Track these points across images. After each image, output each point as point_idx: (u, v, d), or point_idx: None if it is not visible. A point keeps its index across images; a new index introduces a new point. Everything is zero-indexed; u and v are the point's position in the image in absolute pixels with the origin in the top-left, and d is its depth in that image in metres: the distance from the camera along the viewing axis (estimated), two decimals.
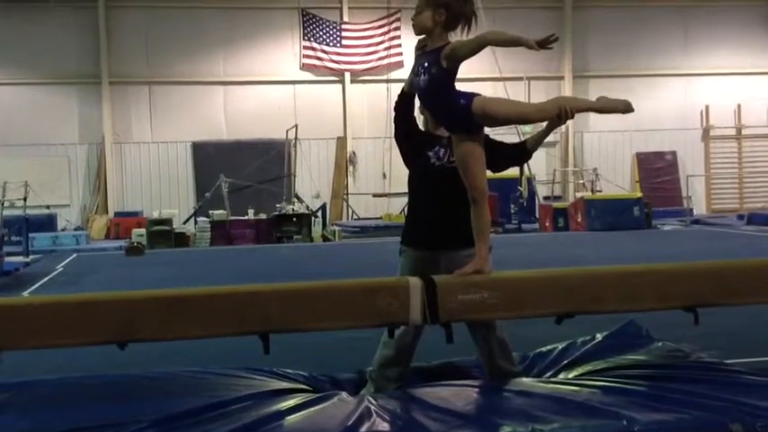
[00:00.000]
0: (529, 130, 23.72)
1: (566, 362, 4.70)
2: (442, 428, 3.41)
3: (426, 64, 3.92)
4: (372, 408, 3.72)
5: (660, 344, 4.91)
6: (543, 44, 3.60)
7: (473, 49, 3.76)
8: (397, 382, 4.32)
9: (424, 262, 4.24)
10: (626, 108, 4.08)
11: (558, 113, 3.92)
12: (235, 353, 5.30)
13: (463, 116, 3.89)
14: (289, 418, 3.66)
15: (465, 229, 4.05)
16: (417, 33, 4.02)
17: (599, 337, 5.08)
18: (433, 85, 3.90)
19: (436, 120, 4.12)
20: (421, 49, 4.02)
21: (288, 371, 4.62)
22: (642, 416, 3.42)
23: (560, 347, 5.01)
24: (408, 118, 4.45)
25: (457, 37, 3.93)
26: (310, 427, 3.55)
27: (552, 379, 4.22)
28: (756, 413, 3.45)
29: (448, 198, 4.23)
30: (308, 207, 20.98)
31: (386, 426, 3.51)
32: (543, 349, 5.06)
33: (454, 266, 4.00)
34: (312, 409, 3.78)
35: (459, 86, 3.99)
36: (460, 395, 3.93)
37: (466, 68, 4.26)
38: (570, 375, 4.27)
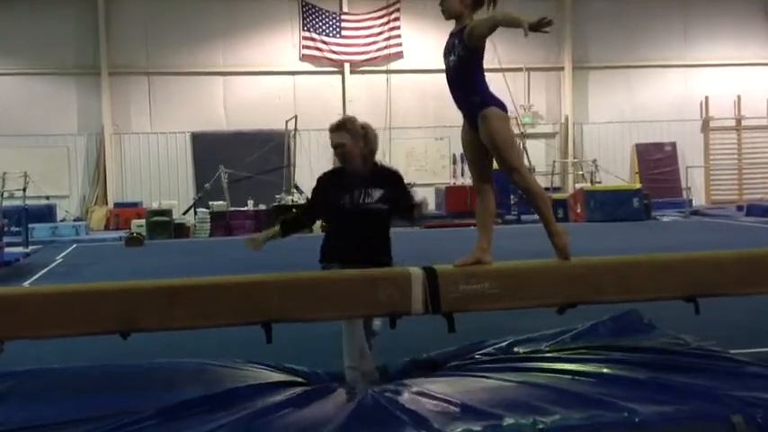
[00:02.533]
0: (529, 120, 23.78)
1: (566, 349, 4.68)
2: (442, 421, 3.41)
3: (453, 45, 3.96)
4: (371, 401, 3.72)
5: (661, 333, 4.91)
6: (535, 28, 3.59)
7: (488, 27, 3.81)
8: (370, 375, 4.37)
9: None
10: (563, 255, 4.02)
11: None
12: (237, 345, 5.31)
13: (472, 113, 3.93)
14: (287, 410, 3.66)
15: (376, 256, 4.59)
16: (447, 18, 4.05)
17: (600, 324, 5.07)
18: (459, 65, 3.94)
19: (454, 99, 4.10)
20: None
21: (291, 366, 4.61)
22: (643, 407, 3.42)
23: (561, 330, 4.99)
24: (303, 225, 5.01)
25: (484, 14, 3.97)
26: (308, 420, 3.54)
27: (552, 366, 4.20)
28: (758, 404, 3.44)
29: (360, 232, 4.67)
30: (307, 198, 20.93)
31: (386, 417, 3.51)
32: (547, 332, 5.04)
33: None
34: (310, 401, 3.77)
35: None
36: (461, 387, 3.92)
37: None
38: (571, 364, 4.25)
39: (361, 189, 4.72)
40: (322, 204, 4.89)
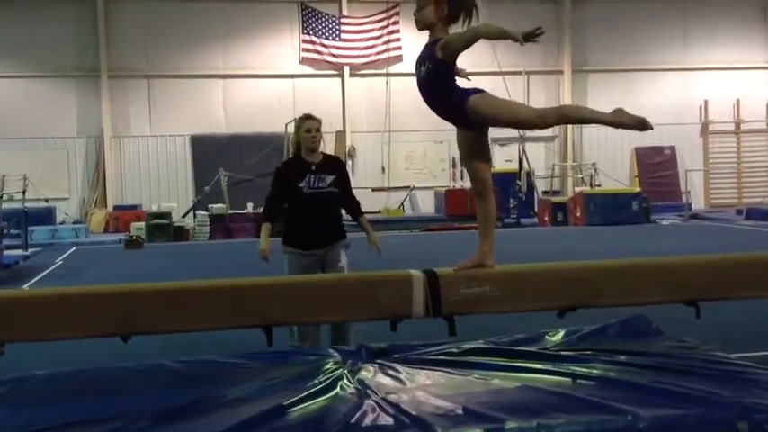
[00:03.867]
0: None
1: (571, 350, 4.63)
2: (446, 425, 3.39)
3: (425, 57, 3.92)
4: (375, 403, 3.69)
5: (667, 337, 4.87)
6: (528, 37, 3.56)
7: (466, 41, 3.76)
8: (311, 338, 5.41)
9: (304, 258, 5.59)
10: (639, 125, 3.96)
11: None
12: (237, 344, 5.29)
13: (458, 113, 3.90)
14: (287, 412, 3.64)
15: (333, 229, 5.72)
16: (420, 29, 4.01)
17: (608, 327, 5.02)
18: (429, 79, 3.90)
19: (434, 112, 4.07)
20: None
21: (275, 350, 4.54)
22: (647, 412, 3.39)
23: (567, 331, 4.93)
24: (279, 211, 5.79)
25: (458, 29, 3.92)
26: (308, 422, 3.52)
27: (556, 368, 4.18)
28: (764, 410, 3.40)
29: (318, 213, 5.59)
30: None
31: (389, 421, 3.48)
32: (550, 331, 5.00)
33: (328, 259, 5.65)
34: (310, 404, 3.75)
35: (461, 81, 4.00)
36: (465, 389, 3.89)
37: (466, 63, 4.27)
38: (575, 367, 4.22)
39: (316, 175, 5.58)
40: (286, 189, 5.62)
